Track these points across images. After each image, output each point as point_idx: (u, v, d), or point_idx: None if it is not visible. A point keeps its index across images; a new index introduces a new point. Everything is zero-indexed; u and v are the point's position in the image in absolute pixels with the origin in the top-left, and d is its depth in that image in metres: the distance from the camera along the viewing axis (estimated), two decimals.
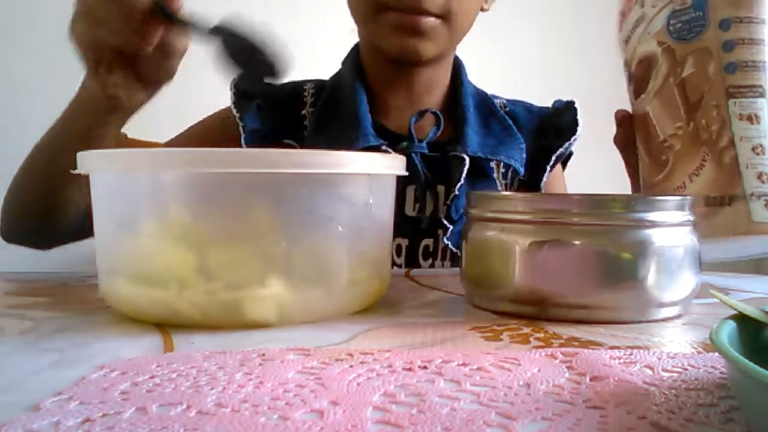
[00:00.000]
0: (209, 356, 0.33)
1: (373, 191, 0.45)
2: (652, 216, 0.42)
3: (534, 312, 0.44)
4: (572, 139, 0.82)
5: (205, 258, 0.40)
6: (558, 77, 1.83)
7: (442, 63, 0.82)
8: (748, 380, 0.22)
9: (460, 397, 0.28)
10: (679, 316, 0.45)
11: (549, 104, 0.89)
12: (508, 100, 0.89)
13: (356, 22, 0.80)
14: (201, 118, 0.90)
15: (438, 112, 0.78)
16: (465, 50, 0.86)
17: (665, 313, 0.44)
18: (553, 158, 0.81)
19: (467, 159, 0.75)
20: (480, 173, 0.78)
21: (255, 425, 0.24)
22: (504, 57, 1.76)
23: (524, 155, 0.81)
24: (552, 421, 0.25)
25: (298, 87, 0.87)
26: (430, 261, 0.77)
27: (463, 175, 0.74)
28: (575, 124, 0.82)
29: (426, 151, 0.76)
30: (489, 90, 0.90)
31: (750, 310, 0.29)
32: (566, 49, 1.86)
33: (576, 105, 0.85)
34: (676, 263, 0.43)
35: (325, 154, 0.41)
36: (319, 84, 0.87)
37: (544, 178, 0.81)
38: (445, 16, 0.73)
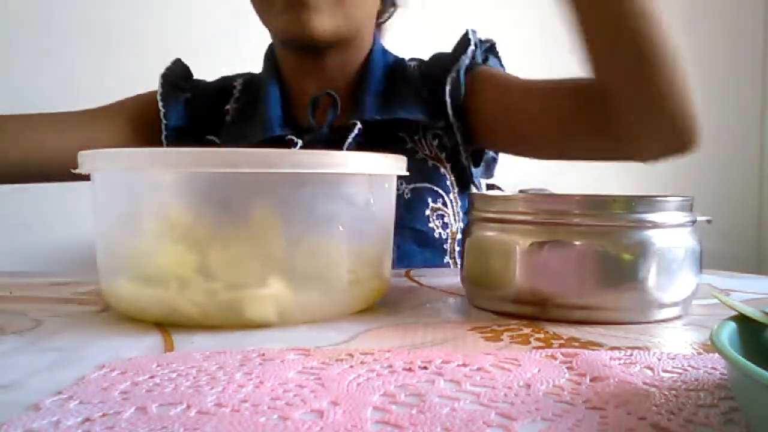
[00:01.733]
0: (209, 356, 0.33)
1: (374, 191, 0.45)
2: (652, 217, 0.42)
3: (534, 312, 0.44)
4: (462, 57, 0.79)
5: (206, 258, 0.40)
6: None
7: (352, 46, 0.80)
8: (748, 381, 0.22)
9: (460, 397, 0.28)
10: (679, 317, 0.45)
11: None
12: (424, 60, 0.87)
13: (257, 13, 0.78)
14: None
15: (332, 93, 0.77)
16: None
17: (665, 313, 0.44)
18: (447, 89, 0.78)
19: (357, 126, 0.75)
20: (384, 137, 0.77)
21: (255, 425, 0.24)
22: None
23: (428, 105, 0.79)
24: (552, 422, 0.25)
25: (229, 82, 0.88)
26: None
27: (348, 140, 0.75)
28: (465, 43, 0.80)
29: (325, 134, 0.76)
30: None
31: (750, 311, 0.29)
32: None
33: (468, 30, 0.82)
34: (677, 264, 0.43)
35: (325, 154, 0.41)
36: (248, 79, 0.88)
37: (450, 112, 0.78)
38: None
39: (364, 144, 0.76)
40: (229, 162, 0.39)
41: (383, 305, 0.48)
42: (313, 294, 0.42)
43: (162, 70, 0.86)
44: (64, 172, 0.51)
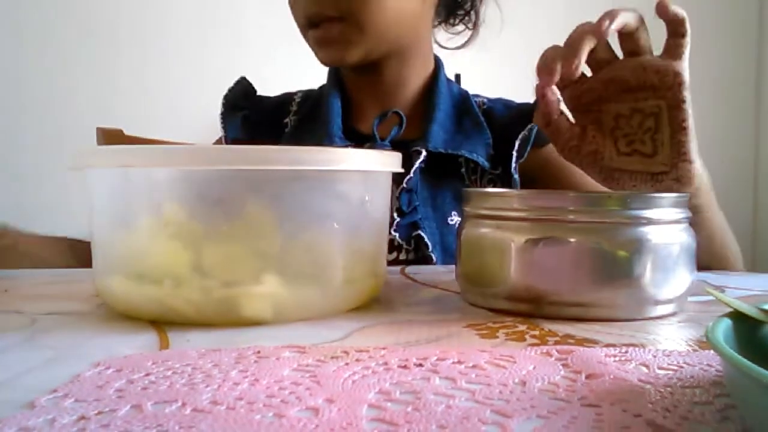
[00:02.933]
0: (204, 354, 0.33)
1: (369, 188, 0.45)
2: (647, 213, 0.42)
3: (529, 309, 0.44)
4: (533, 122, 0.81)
5: (200, 255, 0.40)
6: None
7: (405, 62, 0.84)
8: (743, 378, 0.22)
9: (456, 394, 0.28)
10: (674, 314, 0.45)
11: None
12: (489, 99, 0.90)
13: None
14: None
15: (400, 112, 0.80)
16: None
17: (661, 310, 0.44)
18: (517, 144, 0.81)
19: (423, 153, 0.77)
20: (445, 169, 0.80)
21: (250, 423, 0.24)
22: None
23: (491, 150, 0.82)
24: (547, 419, 0.25)
25: (288, 97, 0.92)
26: (394, 254, 0.77)
27: (414, 168, 0.76)
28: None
29: (389, 148, 0.78)
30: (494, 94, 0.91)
31: (746, 308, 0.29)
32: None
33: None
34: (672, 260, 0.43)
35: (320, 151, 0.41)
36: (307, 93, 0.92)
37: (513, 165, 0.81)
38: (346, 18, 0.74)
39: (424, 171, 0.79)
40: (224, 159, 0.39)
41: (378, 303, 0.48)
42: (308, 291, 0.42)
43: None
44: None
